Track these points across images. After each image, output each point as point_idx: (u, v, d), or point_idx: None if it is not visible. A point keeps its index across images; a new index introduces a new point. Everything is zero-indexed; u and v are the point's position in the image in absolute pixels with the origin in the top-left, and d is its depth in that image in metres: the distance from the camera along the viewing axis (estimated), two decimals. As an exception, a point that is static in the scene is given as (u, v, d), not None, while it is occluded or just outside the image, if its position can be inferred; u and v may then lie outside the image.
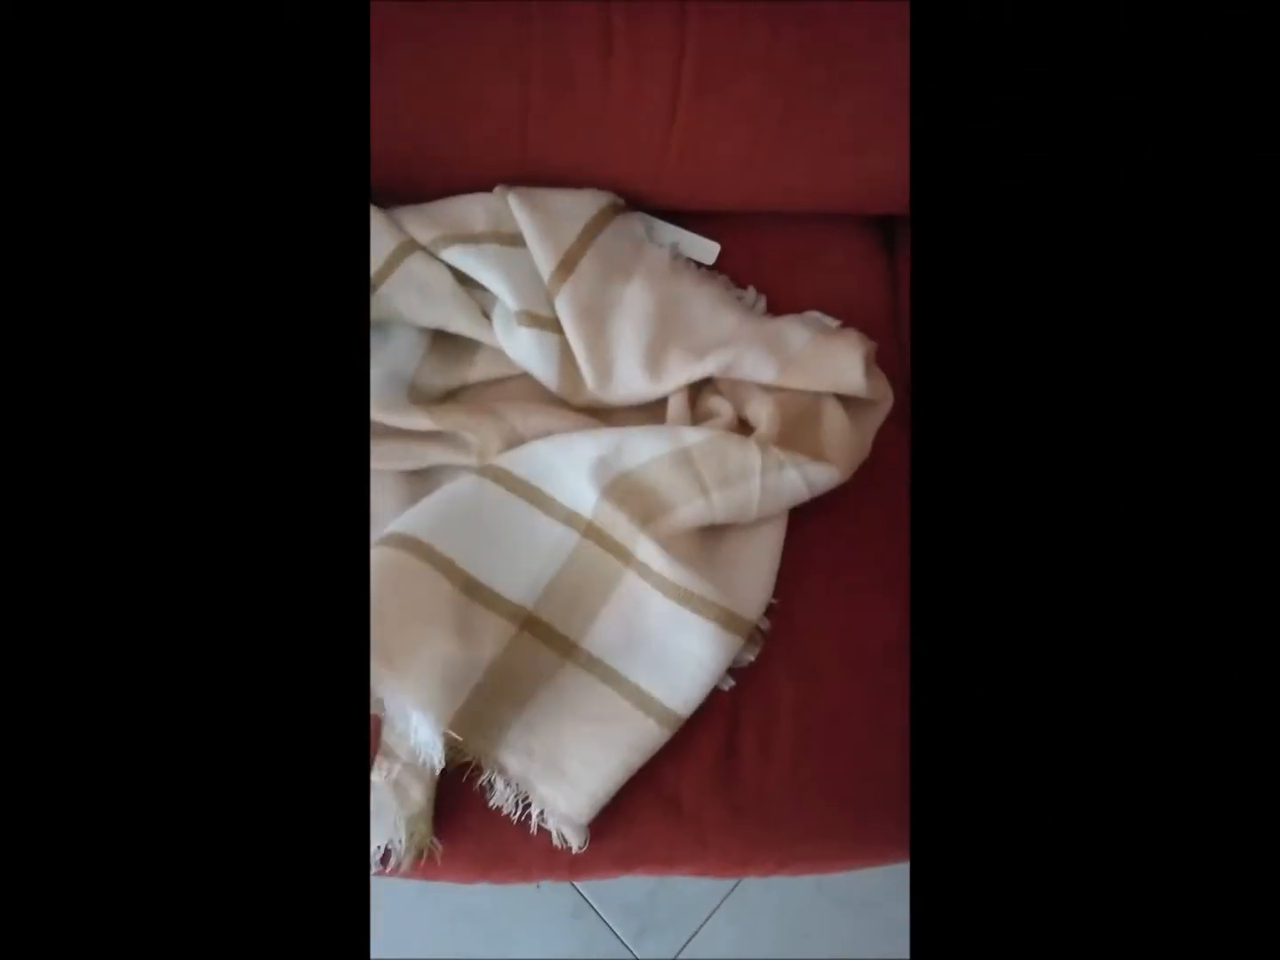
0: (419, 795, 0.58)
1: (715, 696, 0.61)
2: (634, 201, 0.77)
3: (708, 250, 0.78)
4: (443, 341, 0.71)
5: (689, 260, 0.77)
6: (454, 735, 0.57)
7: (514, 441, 0.66)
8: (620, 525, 0.61)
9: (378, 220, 0.70)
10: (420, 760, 0.57)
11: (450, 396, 0.71)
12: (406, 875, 0.60)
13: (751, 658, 0.63)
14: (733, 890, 1.00)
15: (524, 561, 0.62)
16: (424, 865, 0.59)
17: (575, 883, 0.99)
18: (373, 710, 0.57)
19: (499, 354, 0.70)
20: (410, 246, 0.69)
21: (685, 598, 0.60)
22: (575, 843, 0.58)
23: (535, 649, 0.61)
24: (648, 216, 0.77)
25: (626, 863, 0.62)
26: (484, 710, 0.59)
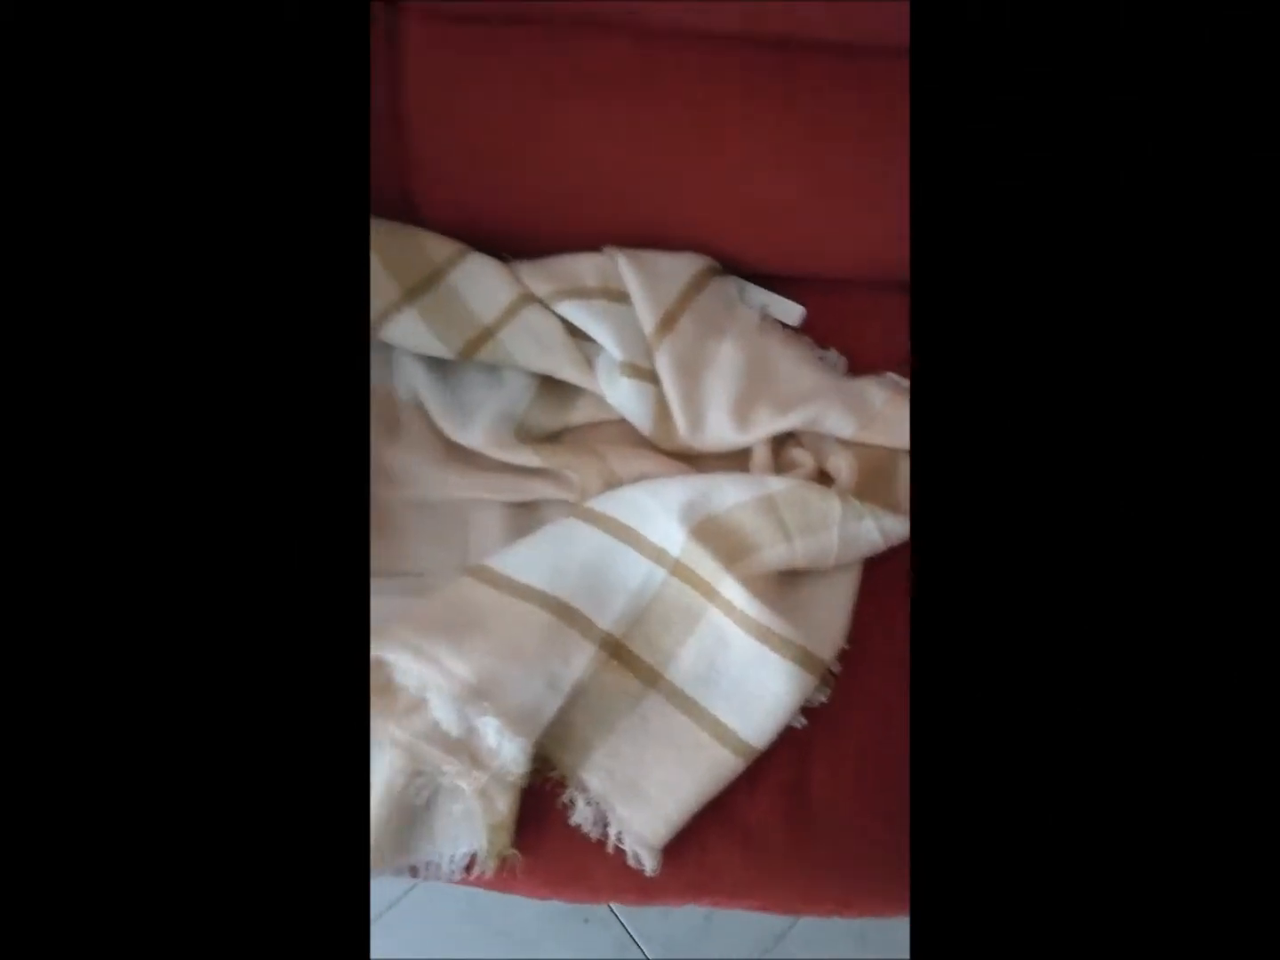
0: (503, 806, 0.61)
1: (788, 733, 0.64)
2: (728, 265, 0.83)
3: (793, 313, 0.83)
4: (550, 386, 0.77)
5: (776, 321, 0.82)
6: (539, 752, 0.61)
7: (612, 481, 0.71)
8: (706, 564, 0.65)
9: (499, 272, 0.77)
10: (505, 773, 0.61)
11: (552, 437, 0.77)
12: (486, 885, 0.63)
13: (824, 698, 0.66)
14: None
15: (614, 593, 0.66)
16: (503, 875, 0.63)
17: (626, 925, 1.00)
18: (460, 722, 0.61)
19: (600, 400, 0.76)
20: (527, 299, 0.76)
21: (766, 636, 0.63)
22: (649, 865, 0.61)
23: (621, 675, 0.64)
24: (740, 280, 0.83)
25: (695, 891, 0.64)
26: (570, 730, 0.63)
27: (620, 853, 0.62)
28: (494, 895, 0.94)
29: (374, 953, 0.93)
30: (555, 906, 0.98)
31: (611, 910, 1.00)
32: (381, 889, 0.97)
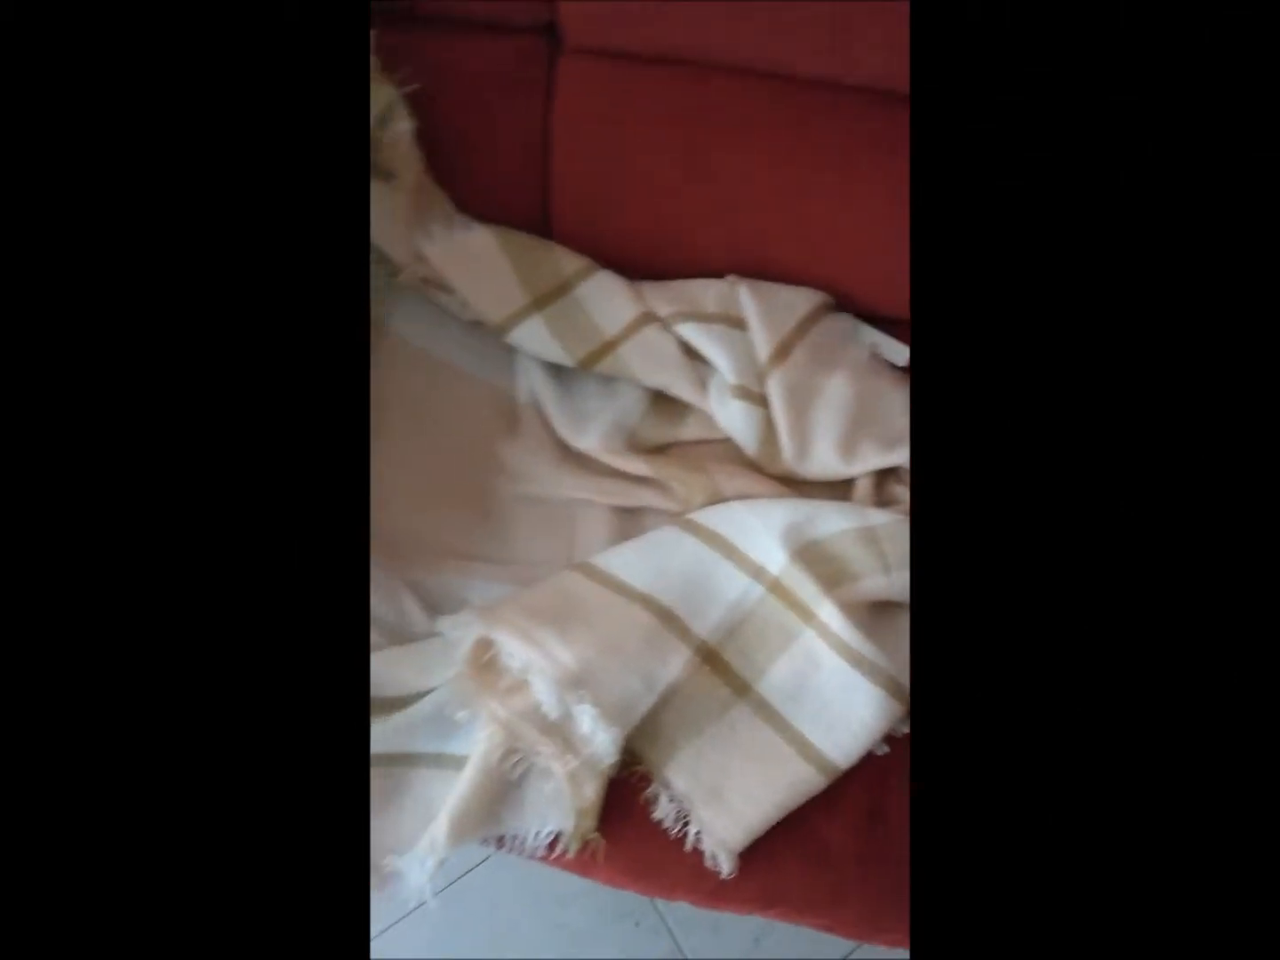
0: (591, 792, 0.65)
1: (870, 759, 0.66)
2: (842, 303, 0.86)
3: (902, 354, 0.85)
4: (661, 401, 0.81)
5: (885, 361, 0.84)
6: (628, 745, 0.64)
7: (716, 496, 0.74)
8: (806, 587, 0.67)
9: (625, 290, 0.82)
10: (596, 760, 0.64)
11: (660, 449, 0.81)
12: (565, 866, 0.66)
13: (906, 729, 0.67)
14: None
15: (712, 603, 0.69)
16: (582, 859, 0.66)
17: (676, 936, 1.02)
18: (559, 706, 0.65)
19: (708, 419, 0.79)
20: (649, 317, 0.80)
21: (859, 661, 0.65)
22: (725, 867, 0.63)
23: (713, 683, 0.67)
24: (853, 317, 0.86)
25: (765, 901, 0.66)
26: (659, 729, 0.66)
27: (697, 853, 0.64)
28: (555, 888, 1.00)
29: (432, 920, 0.98)
30: (611, 907, 1.01)
31: (663, 919, 1.02)
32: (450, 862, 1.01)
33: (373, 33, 0.73)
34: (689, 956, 1.02)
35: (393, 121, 0.74)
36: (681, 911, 1.02)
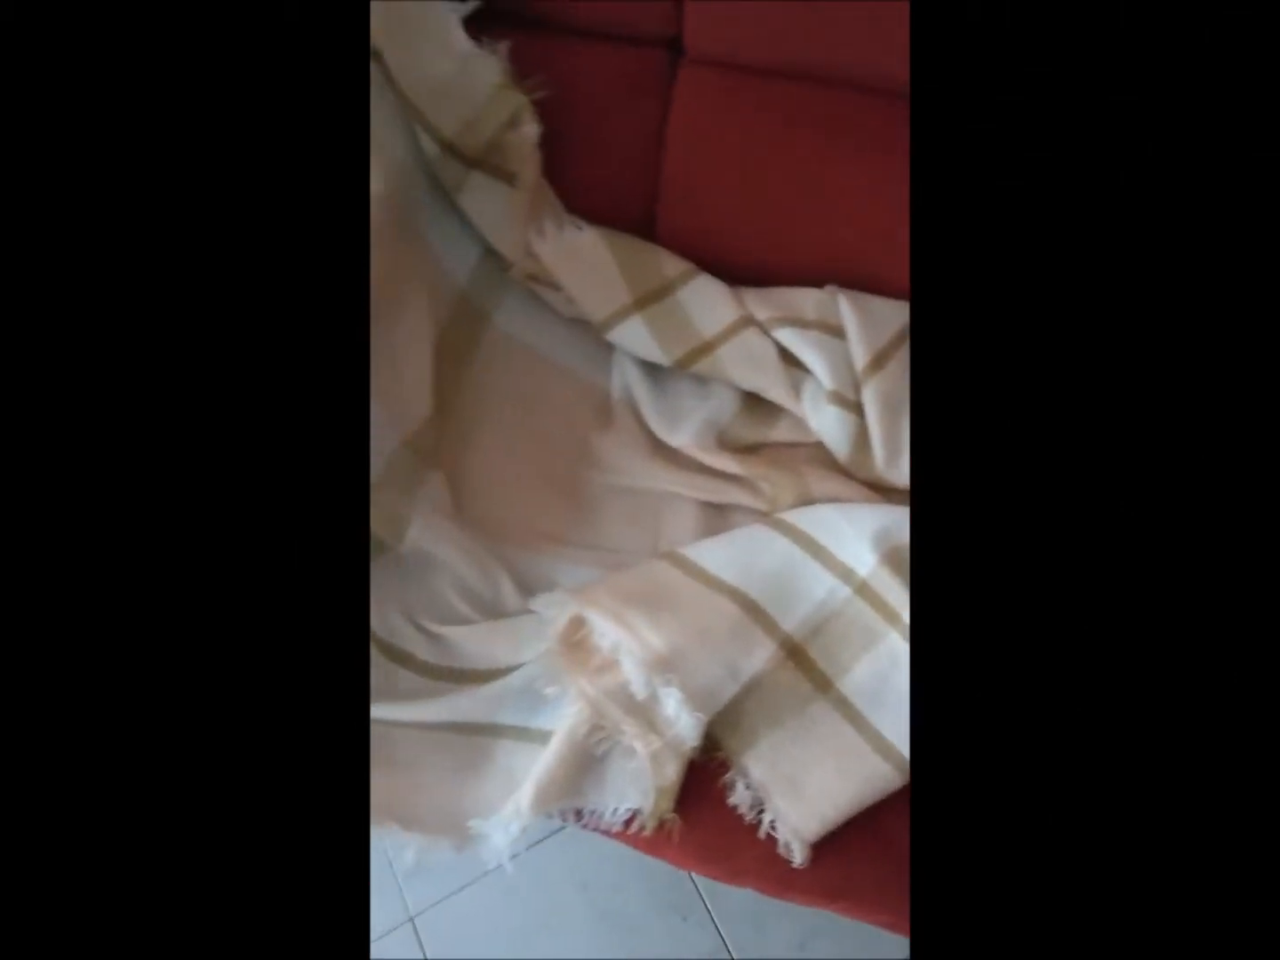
0: (671, 772, 0.67)
1: (947, 764, 0.67)
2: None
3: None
4: (752, 403, 0.84)
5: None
6: (708, 731, 0.66)
7: (805, 497, 0.76)
8: (894, 591, 0.69)
9: (725, 294, 0.84)
10: (679, 742, 0.66)
11: (750, 449, 0.83)
12: (638, 844, 0.69)
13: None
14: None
15: (798, 600, 0.71)
16: (656, 838, 0.68)
17: (722, 932, 1.03)
18: (646, 687, 0.67)
19: (799, 423, 0.81)
20: (747, 321, 0.83)
21: (942, 666, 0.66)
22: (798, 857, 0.65)
23: (795, 677, 0.69)
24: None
25: (831, 894, 0.67)
26: (740, 718, 0.68)
27: (768, 841, 0.66)
28: (608, 875, 1.02)
29: (486, 893, 1.01)
30: (661, 898, 1.03)
31: (710, 915, 1.04)
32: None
33: (504, 43, 0.78)
34: (735, 955, 1.03)
35: (520, 125, 0.78)
36: (729, 908, 1.03)
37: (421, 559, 0.74)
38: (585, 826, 0.69)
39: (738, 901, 1.02)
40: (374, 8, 0.72)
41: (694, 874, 0.73)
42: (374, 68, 0.73)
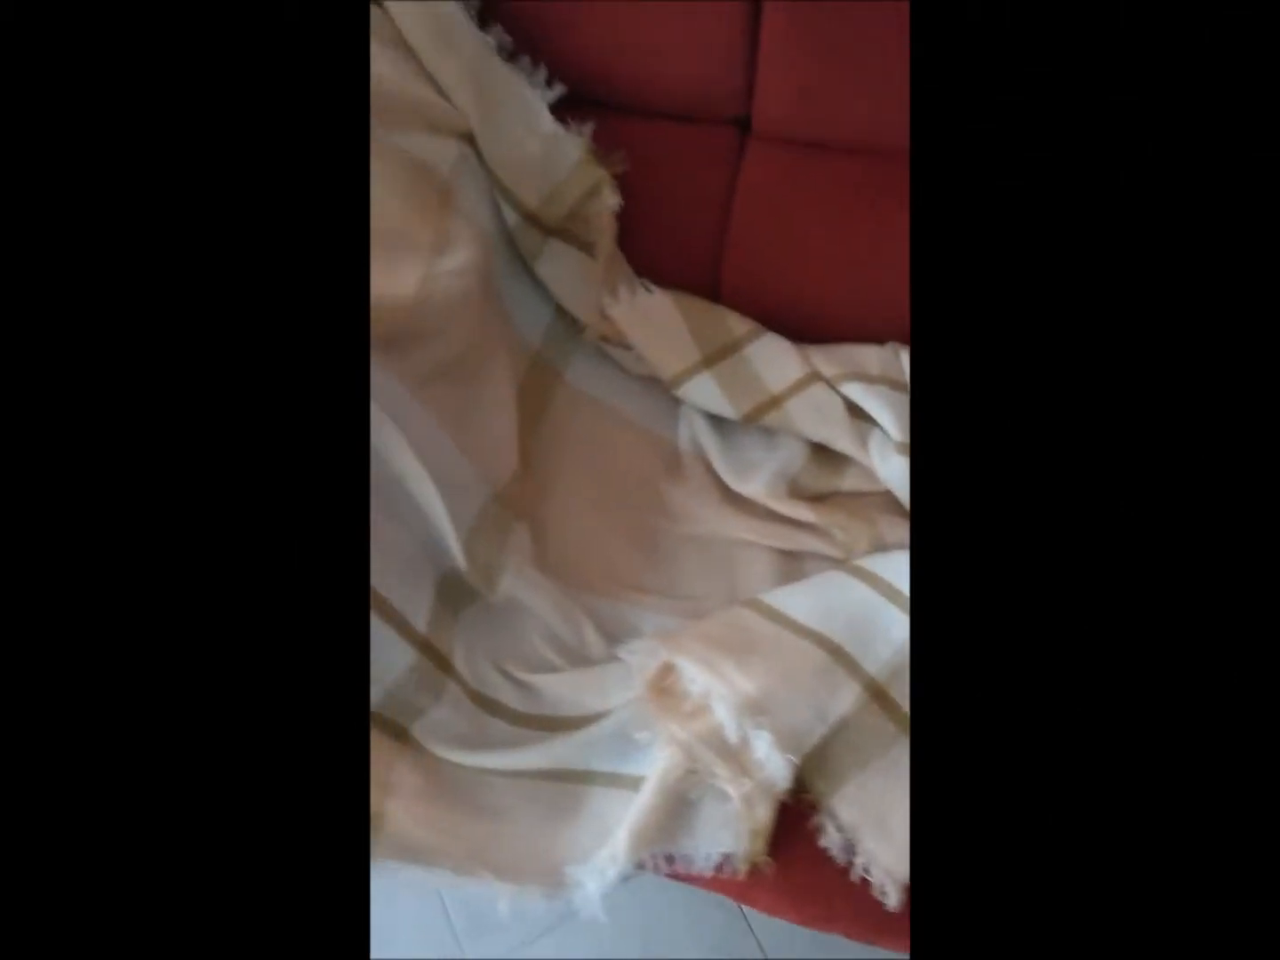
0: (763, 814, 0.68)
1: (1034, 805, 0.68)
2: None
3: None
4: (820, 454, 0.87)
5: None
6: (797, 774, 0.68)
7: (878, 544, 0.79)
8: (973, 632, 0.71)
9: (791, 351, 0.89)
10: (770, 784, 0.68)
11: (820, 498, 0.86)
12: (728, 890, 0.70)
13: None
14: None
15: (880, 643, 0.73)
16: (747, 882, 0.69)
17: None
18: (738, 730, 0.69)
19: (868, 473, 0.85)
20: (815, 377, 0.87)
21: (1026, 707, 0.68)
22: (893, 899, 0.66)
23: (880, 719, 0.71)
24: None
25: (925, 937, 0.68)
26: (827, 760, 0.70)
27: (864, 885, 0.67)
28: (671, 927, 1.01)
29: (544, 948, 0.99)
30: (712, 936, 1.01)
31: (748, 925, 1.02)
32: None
33: (589, 124, 0.84)
34: (770, 956, 1.01)
35: (599, 197, 0.84)
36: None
37: (511, 608, 0.76)
38: (673, 874, 0.70)
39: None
40: (466, 96, 0.78)
41: (789, 919, 0.73)
42: (467, 149, 0.79)
